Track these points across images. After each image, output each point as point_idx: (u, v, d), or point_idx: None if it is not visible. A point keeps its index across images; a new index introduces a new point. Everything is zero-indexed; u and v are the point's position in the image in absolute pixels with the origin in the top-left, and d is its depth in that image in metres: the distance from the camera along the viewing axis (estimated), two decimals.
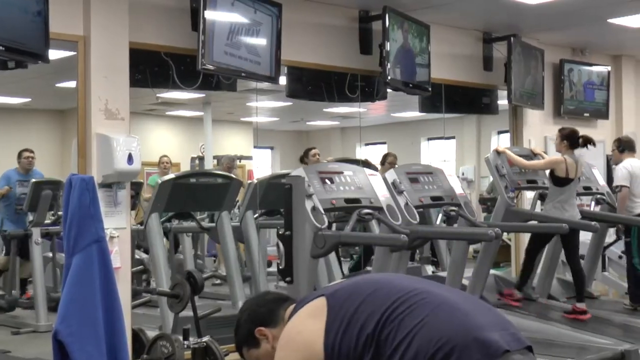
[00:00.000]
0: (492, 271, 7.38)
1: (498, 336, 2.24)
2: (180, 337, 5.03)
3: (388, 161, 9.65)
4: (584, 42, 10.30)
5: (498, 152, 7.16)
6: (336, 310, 2.36)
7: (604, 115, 10.69)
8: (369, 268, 8.19)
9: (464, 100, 9.69)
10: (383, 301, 2.34)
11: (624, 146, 8.00)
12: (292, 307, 2.55)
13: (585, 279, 7.18)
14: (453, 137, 13.15)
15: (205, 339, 4.93)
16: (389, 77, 7.36)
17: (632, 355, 5.81)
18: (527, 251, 7.36)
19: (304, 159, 8.64)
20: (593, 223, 6.75)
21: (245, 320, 2.63)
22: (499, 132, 11.87)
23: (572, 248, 7.07)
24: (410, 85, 7.76)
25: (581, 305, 6.84)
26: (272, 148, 15.98)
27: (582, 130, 7.43)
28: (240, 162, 11.87)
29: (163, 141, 12.87)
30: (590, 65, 10.55)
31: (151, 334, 5.56)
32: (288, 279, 5.06)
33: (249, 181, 8.71)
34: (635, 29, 9.20)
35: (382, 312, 2.30)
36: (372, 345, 2.28)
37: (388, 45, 7.29)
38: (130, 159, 5.54)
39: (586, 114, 10.47)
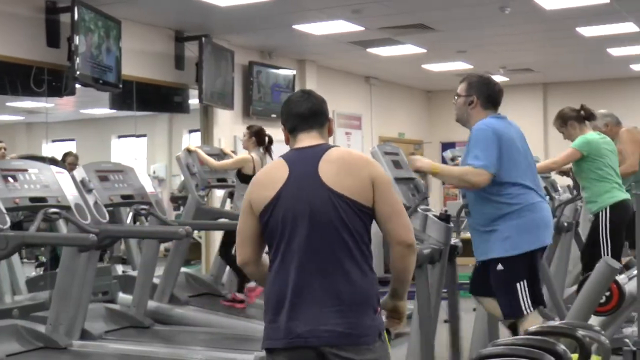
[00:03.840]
0: (183, 269, 7.43)
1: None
2: None
3: (68, 161, 9.26)
4: (271, 46, 10.72)
5: (189, 151, 7.21)
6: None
7: None
8: None
9: (155, 99, 9.65)
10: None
11: None
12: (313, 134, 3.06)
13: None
14: (144, 135, 13.03)
15: None
16: (78, 72, 7.15)
17: None
18: (225, 252, 7.40)
19: None
20: None
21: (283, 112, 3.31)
22: (191, 131, 11.96)
23: (229, 245, 7.28)
24: (101, 81, 7.59)
25: (241, 295, 7.11)
26: None
27: (270, 131, 7.71)
28: None
29: None
30: (277, 68, 11.01)
31: None
32: None
33: None
34: (317, 35, 9.76)
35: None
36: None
37: (77, 39, 7.07)
38: None
39: (273, 115, 10.89)
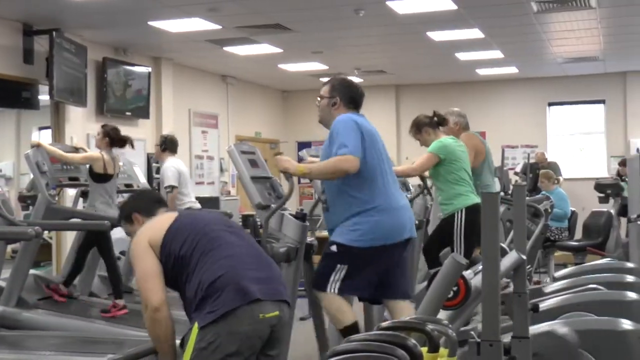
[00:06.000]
0: (32, 271, 7.18)
1: (257, 288, 3.33)
2: None
3: None
4: (126, 42, 10.52)
5: (36, 145, 6.97)
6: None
7: (145, 114, 11.04)
8: None
9: (1, 94, 9.29)
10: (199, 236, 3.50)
11: (167, 145, 8.34)
12: (164, 210, 3.81)
13: (120, 275, 7.29)
14: None
15: None
16: None
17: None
18: (79, 248, 7.22)
19: None
20: None
21: (131, 205, 3.85)
22: (41, 128, 11.58)
23: (106, 245, 7.14)
24: None
25: (120, 301, 6.95)
26: None
27: (124, 129, 7.58)
28: None
29: None
30: (132, 65, 10.81)
31: None
32: None
33: None
34: (173, 33, 9.66)
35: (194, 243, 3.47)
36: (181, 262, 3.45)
37: None
38: None
39: (128, 113, 10.71)
